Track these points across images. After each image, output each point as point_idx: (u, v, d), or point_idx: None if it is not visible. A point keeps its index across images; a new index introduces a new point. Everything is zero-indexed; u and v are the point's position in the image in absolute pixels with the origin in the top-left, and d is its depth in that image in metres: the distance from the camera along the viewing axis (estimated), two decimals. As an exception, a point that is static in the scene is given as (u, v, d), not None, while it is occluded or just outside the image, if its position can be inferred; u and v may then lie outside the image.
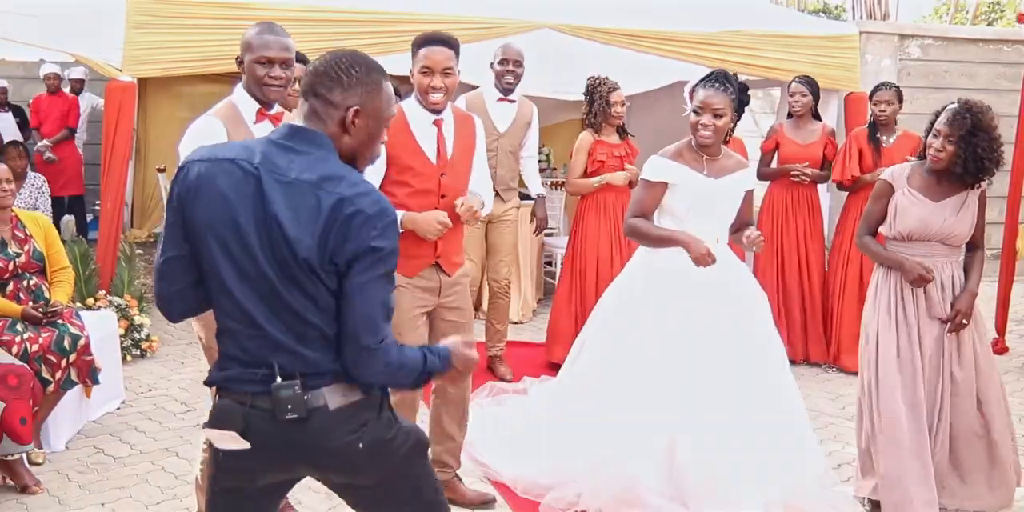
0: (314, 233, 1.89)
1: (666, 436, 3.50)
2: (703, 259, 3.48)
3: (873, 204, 3.67)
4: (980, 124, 3.43)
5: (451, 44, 3.27)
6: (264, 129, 2.98)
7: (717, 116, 3.50)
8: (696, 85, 3.58)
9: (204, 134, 2.89)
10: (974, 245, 3.64)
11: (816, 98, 5.76)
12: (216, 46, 5.32)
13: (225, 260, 1.94)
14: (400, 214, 3.18)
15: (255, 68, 2.96)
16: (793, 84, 5.75)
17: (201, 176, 1.97)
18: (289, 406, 1.93)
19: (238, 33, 5.32)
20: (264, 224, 1.91)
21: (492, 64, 5.13)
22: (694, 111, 3.55)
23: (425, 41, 3.27)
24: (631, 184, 5.37)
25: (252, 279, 1.93)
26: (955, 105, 3.48)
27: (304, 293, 1.92)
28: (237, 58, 3.04)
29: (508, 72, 5.06)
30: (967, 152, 3.42)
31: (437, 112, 3.33)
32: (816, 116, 5.84)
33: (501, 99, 5.14)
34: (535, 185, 5.42)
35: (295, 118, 2.05)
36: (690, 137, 3.62)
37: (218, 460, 2.06)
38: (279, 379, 1.94)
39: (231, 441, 1.97)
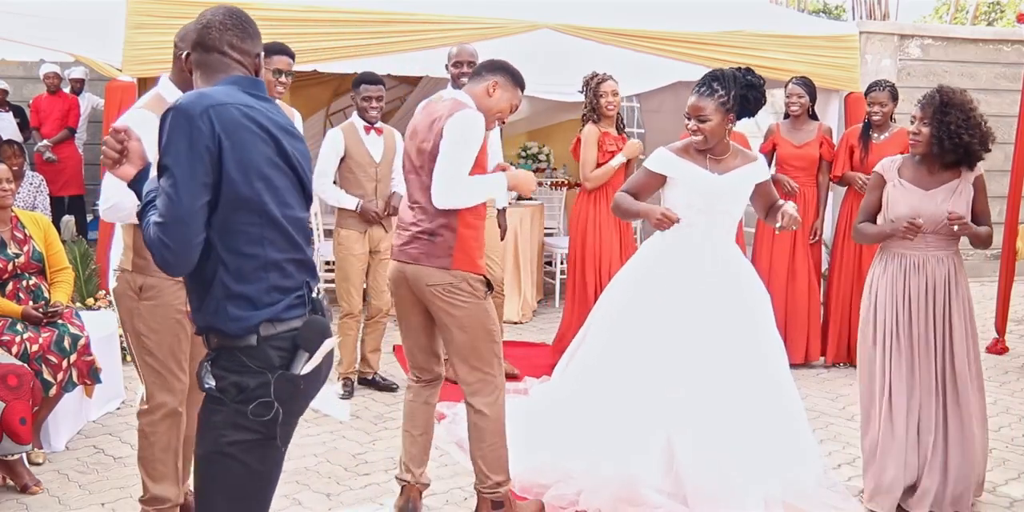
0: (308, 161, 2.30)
1: (664, 432, 3.51)
2: (661, 223, 3.52)
3: (868, 196, 3.74)
4: (951, 101, 3.46)
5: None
6: None
7: (701, 120, 3.52)
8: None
9: (138, 127, 2.96)
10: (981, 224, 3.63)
11: (813, 99, 5.77)
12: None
13: (274, 194, 2.14)
14: (500, 176, 3.40)
15: None
16: (790, 85, 5.76)
17: (235, 119, 2.08)
18: (329, 313, 2.25)
19: (238, 33, 5.41)
20: (287, 161, 2.19)
21: (447, 66, 5.11)
22: (685, 114, 3.59)
23: (523, 86, 3.43)
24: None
25: (291, 208, 2.19)
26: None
27: (306, 213, 2.28)
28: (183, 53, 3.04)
29: (463, 74, 5.08)
30: (940, 129, 3.45)
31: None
32: (813, 116, 5.85)
33: None
34: (500, 198, 5.38)
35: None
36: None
37: (297, 391, 2.18)
38: (315, 292, 2.23)
39: (331, 345, 2.21)
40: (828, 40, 6.85)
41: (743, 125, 5.84)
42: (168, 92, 3.09)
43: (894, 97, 5.53)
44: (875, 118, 5.53)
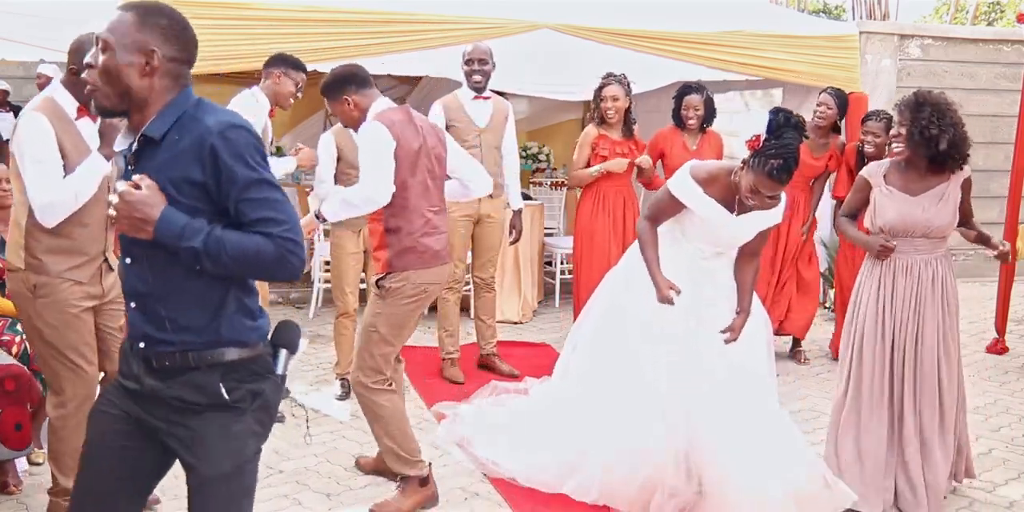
0: None
1: (668, 453, 3.48)
2: (664, 300, 3.52)
3: (852, 195, 3.78)
4: (926, 100, 3.49)
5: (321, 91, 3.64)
6: (85, 124, 3.12)
7: (772, 198, 3.42)
8: (762, 167, 3.29)
9: (37, 130, 3.01)
10: (965, 224, 3.67)
11: (842, 112, 5.70)
12: (216, 46, 5.32)
13: None
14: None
15: None
16: (823, 95, 5.68)
17: None
18: None
19: (239, 33, 5.44)
20: None
21: (461, 65, 5.17)
22: (750, 188, 3.36)
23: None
24: (641, 172, 5.46)
25: None
26: None
27: None
28: (72, 67, 3.09)
29: (475, 71, 5.13)
30: (913, 124, 3.46)
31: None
32: (836, 129, 5.78)
33: (476, 97, 5.19)
34: (516, 199, 5.43)
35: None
36: (736, 166, 3.44)
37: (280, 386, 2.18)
38: None
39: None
40: (828, 40, 6.85)
41: (742, 124, 5.88)
42: (61, 97, 3.13)
43: (889, 129, 5.30)
44: (868, 149, 5.36)
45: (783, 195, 3.61)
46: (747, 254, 3.70)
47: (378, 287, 3.52)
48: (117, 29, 2.00)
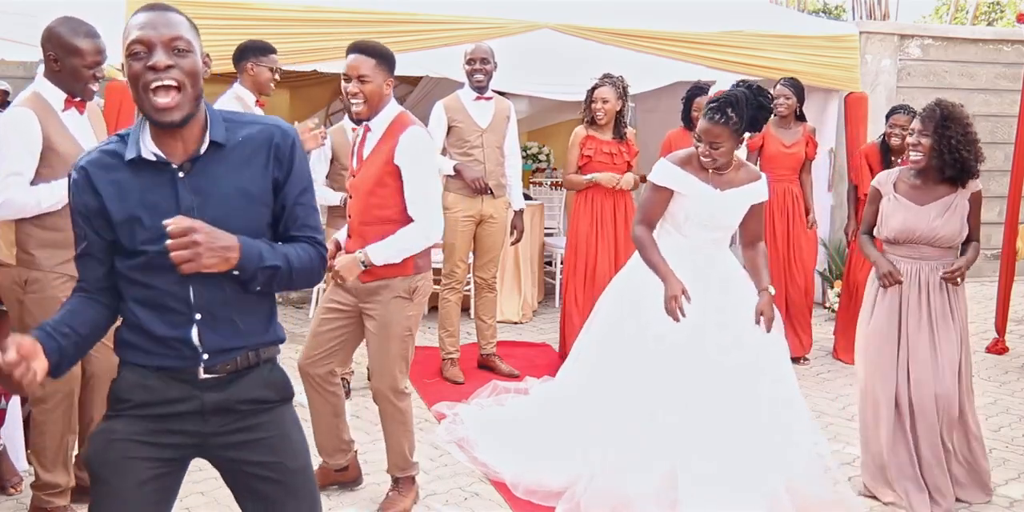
0: None
1: (667, 462, 3.43)
2: (670, 303, 3.45)
3: (867, 208, 3.80)
4: (951, 115, 3.49)
5: (367, 52, 3.30)
6: (72, 115, 3.15)
7: (715, 147, 3.47)
8: (706, 105, 3.53)
9: (16, 124, 3.03)
10: (970, 240, 3.67)
11: (801, 100, 5.76)
12: (216, 46, 5.28)
13: None
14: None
15: (82, 71, 3.11)
16: (778, 87, 5.72)
17: None
18: None
19: (238, 33, 5.44)
20: None
21: (462, 65, 5.18)
22: (696, 137, 3.53)
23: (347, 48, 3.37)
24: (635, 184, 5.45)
25: None
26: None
27: None
28: (50, 55, 3.09)
29: (476, 71, 5.12)
30: (941, 143, 3.47)
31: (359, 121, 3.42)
32: (800, 116, 5.83)
33: (478, 98, 5.19)
34: (517, 199, 5.43)
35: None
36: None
37: None
38: None
39: None
40: (828, 40, 6.86)
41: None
42: (46, 91, 3.14)
43: None
44: (894, 141, 5.42)
45: (763, 174, 3.71)
46: (749, 241, 3.74)
47: (409, 290, 3.43)
48: (188, 32, 1.85)
